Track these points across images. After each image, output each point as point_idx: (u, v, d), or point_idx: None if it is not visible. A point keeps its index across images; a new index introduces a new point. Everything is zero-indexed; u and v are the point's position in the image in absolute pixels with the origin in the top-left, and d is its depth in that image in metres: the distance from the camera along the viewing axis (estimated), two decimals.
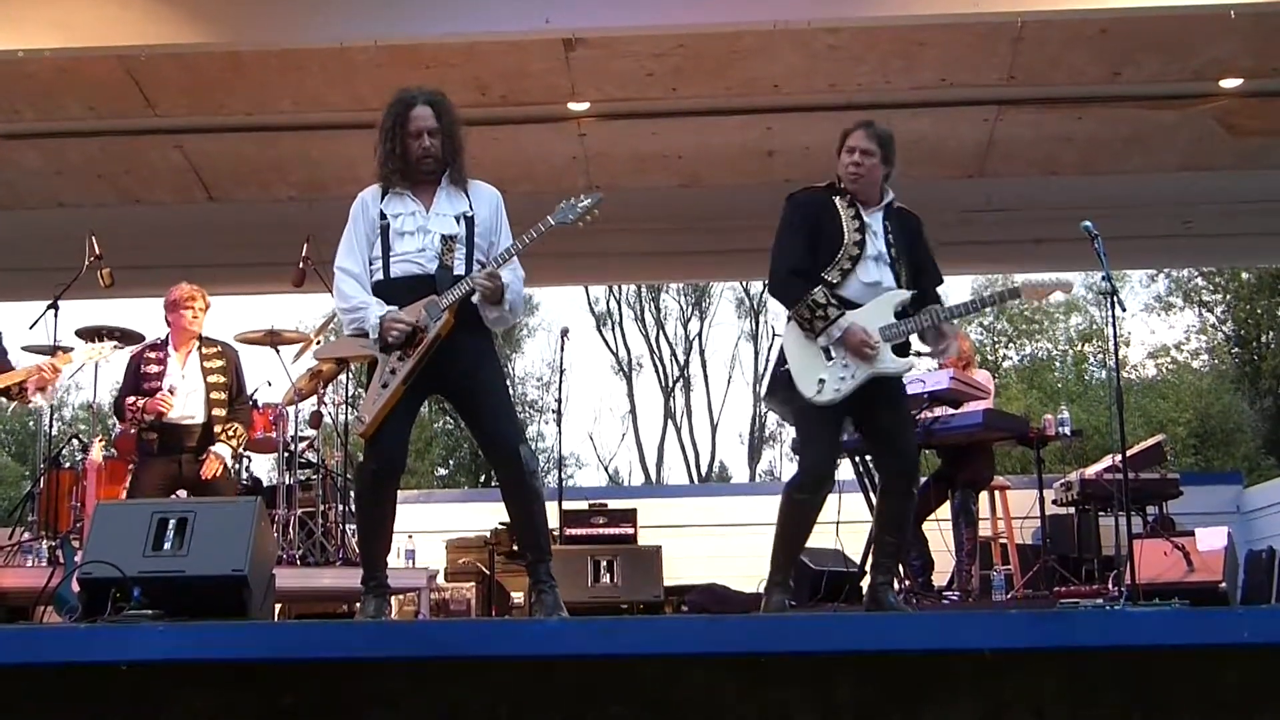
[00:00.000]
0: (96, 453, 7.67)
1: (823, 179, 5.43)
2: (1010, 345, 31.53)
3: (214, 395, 7.26)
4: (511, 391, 5.23)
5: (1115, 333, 6.34)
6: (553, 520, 5.92)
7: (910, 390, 6.80)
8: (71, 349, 7.37)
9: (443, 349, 4.85)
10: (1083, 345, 30.20)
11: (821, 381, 5.15)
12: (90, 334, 8.38)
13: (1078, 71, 8.61)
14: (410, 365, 4.83)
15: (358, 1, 7.86)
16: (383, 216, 4.99)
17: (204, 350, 7.35)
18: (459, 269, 4.90)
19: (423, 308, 4.85)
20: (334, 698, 3.61)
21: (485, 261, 4.96)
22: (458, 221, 4.98)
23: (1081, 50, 8.39)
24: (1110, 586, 7.35)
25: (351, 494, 8.54)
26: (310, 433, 8.64)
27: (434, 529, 9.93)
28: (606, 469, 33.05)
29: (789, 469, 31.39)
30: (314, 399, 8.50)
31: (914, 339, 5.34)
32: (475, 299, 4.89)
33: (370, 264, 5.00)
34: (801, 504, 5.23)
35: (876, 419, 5.30)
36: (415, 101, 5.00)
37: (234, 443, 7.29)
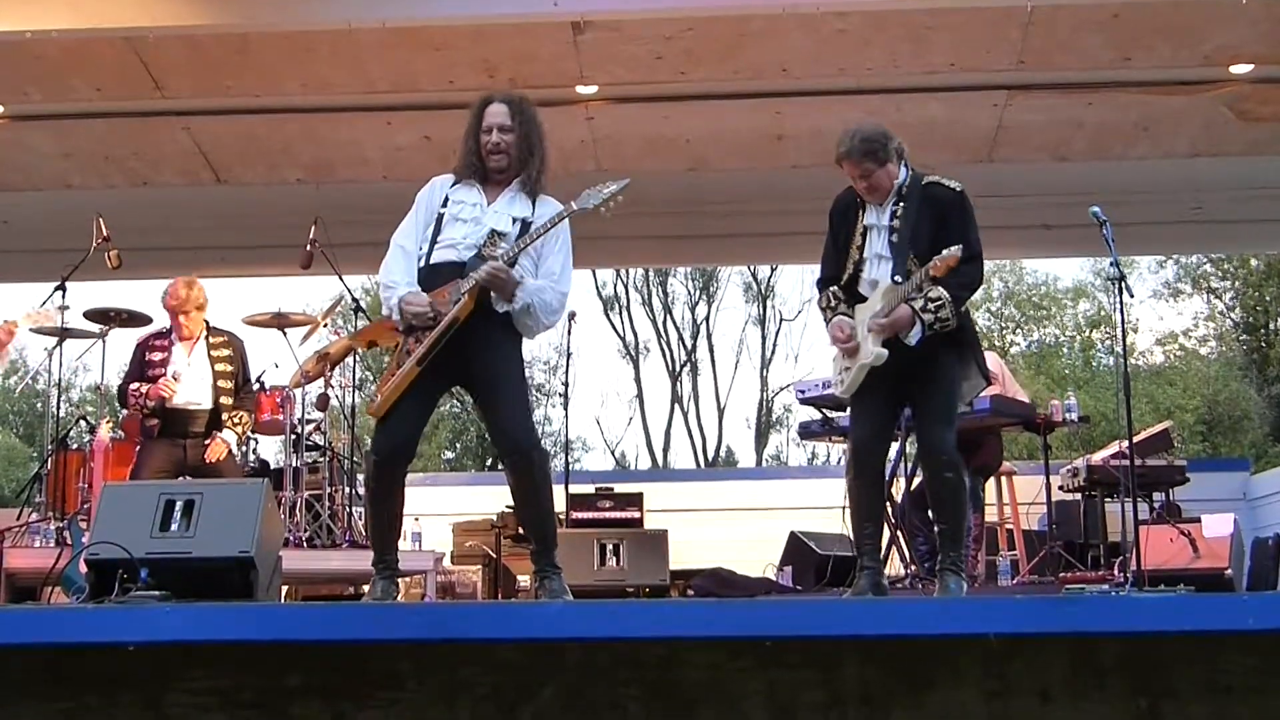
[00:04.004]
0: (104, 434, 7.70)
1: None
2: (1018, 331, 31.51)
3: (221, 384, 7.31)
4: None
5: (1123, 319, 6.32)
6: (559, 504, 5.94)
7: None
8: (14, 320, 7.30)
9: (462, 335, 4.84)
10: (1090, 331, 30.19)
11: (840, 374, 5.50)
12: (98, 316, 8.41)
13: (1088, 56, 8.57)
14: (425, 347, 4.81)
15: None
16: (445, 203, 5.03)
17: (211, 340, 7.40)
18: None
19: (448, 291, 4.85)
20: (340, 679, 3.62)
21: (533, 270, 4.98)
22: (513, 222, 4.99)
23: (1092, 35, 8.36)
24: (1116, 572, 7.34)
25: (359, 476, 8.57)
26: (317, 415, 8.66)
27: (440, 512, 9.92)
28: (613, 453, 33.11)
29: (795, 454, 31.47)
30: (321, 382, 8.51)
31: None
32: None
33: (420, 247, 5.02)
34: (850, 481, 5.47)
35: (912, 406, 5.50)
36: (493, 99, 5.09)
37: (239, 429, 7.35)
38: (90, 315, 8.44)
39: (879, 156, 5.32)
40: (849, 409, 5.71)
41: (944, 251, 5.10)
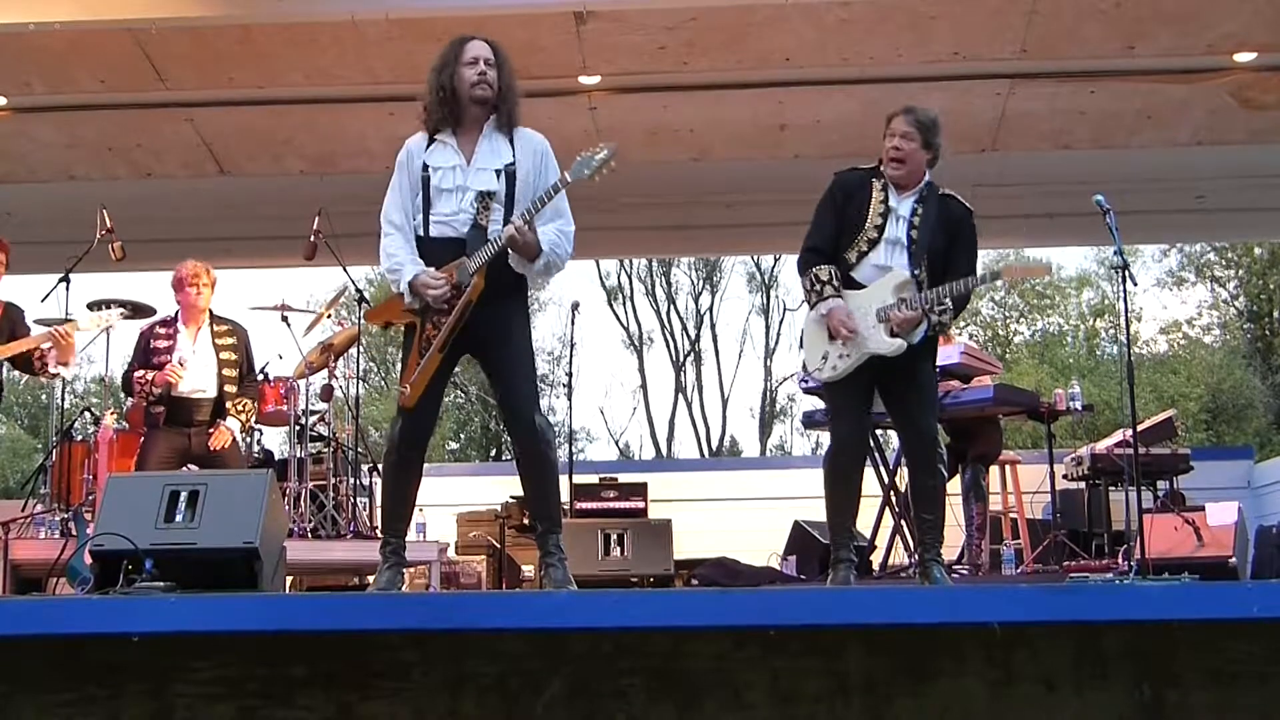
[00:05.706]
0: (108, 425, 7.71)
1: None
2: (1022, 320, 31.48)
3: (225, 372, 7.30)
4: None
5: (1127, 307, 6.35)
6: (563, 494, 5.95)
7: None
8: (73, 319, 7.34)
9: (475, 312, 4.85)
10: (1094, 320, 30.15)
11: (824, 357, 5.40)
12: (100, 307, 8.41)
13: (1091, 45, 8.56)
14: (444, 333, 4.84)
15: None
16: (425, 168, 4.97)
17: (215, 327, 7.39)
18: (494, 229, 4.86)
19: (454, 271, 4.84)
20: (344, 670, 3.63)
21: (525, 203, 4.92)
22: (498, 176, 4.94)
23: (1095, 24, 8.34)
24: (1120, 561, 7.35)
25: (363, 467, 8.59)
26: (321, 406, 8.67)
27: (445, 502, 9.94)
28: (617, 443, 33.13)
29: (799, 443, 31.48)
30: (325, 372, 8.52)
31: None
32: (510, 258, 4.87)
33: (413, 216, 4.99)
34: (836, 475, 5.46)
35: (895, 395, 5.46)
36: (472, 38, 5.05)
37: (243, 417, 7.34)
38: (94, 307, 8.44)
39: (928, 140, 5.35)
40: (828, 402, 5.72)
41: (1032, 262, 5.15)
